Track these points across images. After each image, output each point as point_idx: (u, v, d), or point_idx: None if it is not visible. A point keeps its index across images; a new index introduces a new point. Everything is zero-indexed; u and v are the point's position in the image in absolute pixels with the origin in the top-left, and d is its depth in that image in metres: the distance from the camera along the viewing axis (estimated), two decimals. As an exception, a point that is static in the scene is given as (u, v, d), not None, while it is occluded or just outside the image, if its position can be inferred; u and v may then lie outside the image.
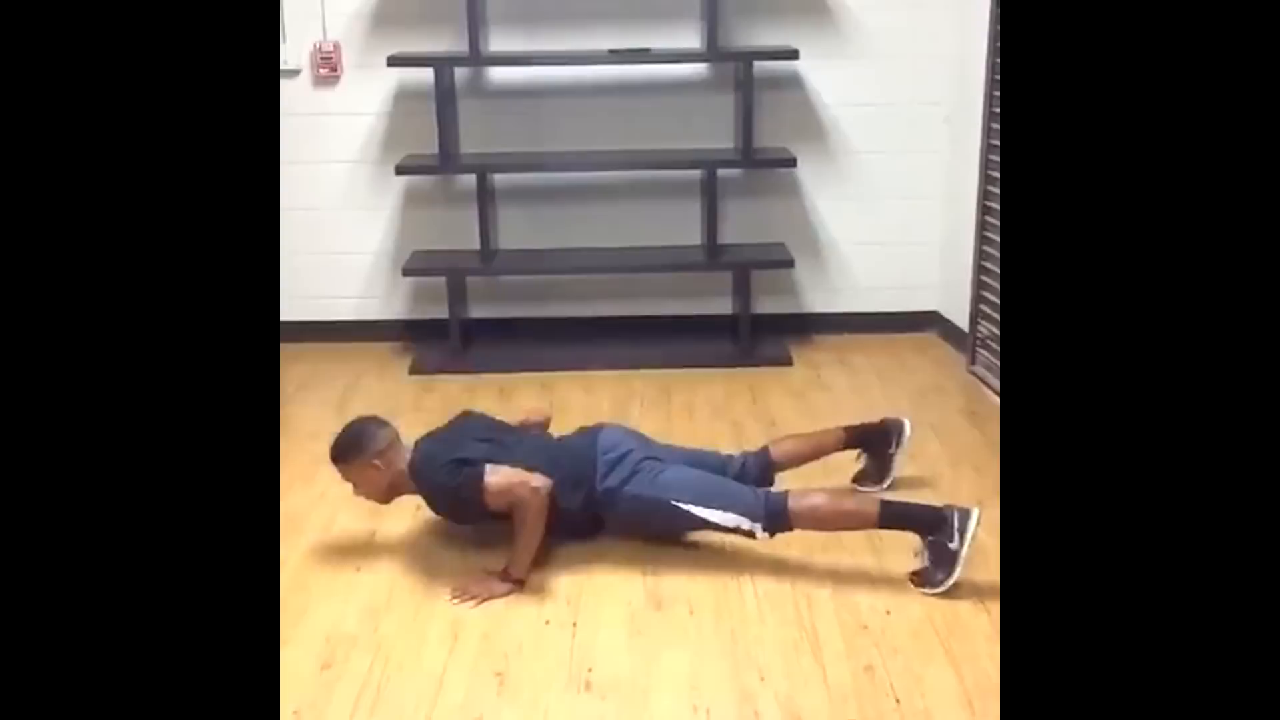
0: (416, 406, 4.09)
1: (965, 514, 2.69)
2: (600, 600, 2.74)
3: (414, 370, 4.45)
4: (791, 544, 2.98)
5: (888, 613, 2.66)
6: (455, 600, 2.74)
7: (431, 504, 2.97)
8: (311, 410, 4.08)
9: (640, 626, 2.63)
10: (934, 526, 2.71)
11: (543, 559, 2.87)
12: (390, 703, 2.38)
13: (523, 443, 3.02)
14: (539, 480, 2.77)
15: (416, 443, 2.96)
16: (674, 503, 2.84)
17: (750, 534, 2.82)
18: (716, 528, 2.85)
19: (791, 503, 2.79)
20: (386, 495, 2.96)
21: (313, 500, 3.32)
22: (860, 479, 3.31)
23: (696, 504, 2.83)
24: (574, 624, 2.65)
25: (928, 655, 2.49)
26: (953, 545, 2.68)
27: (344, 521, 3.18)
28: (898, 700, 2.35)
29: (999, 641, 2.49)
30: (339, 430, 2.97)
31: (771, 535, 2.82)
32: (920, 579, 2.75)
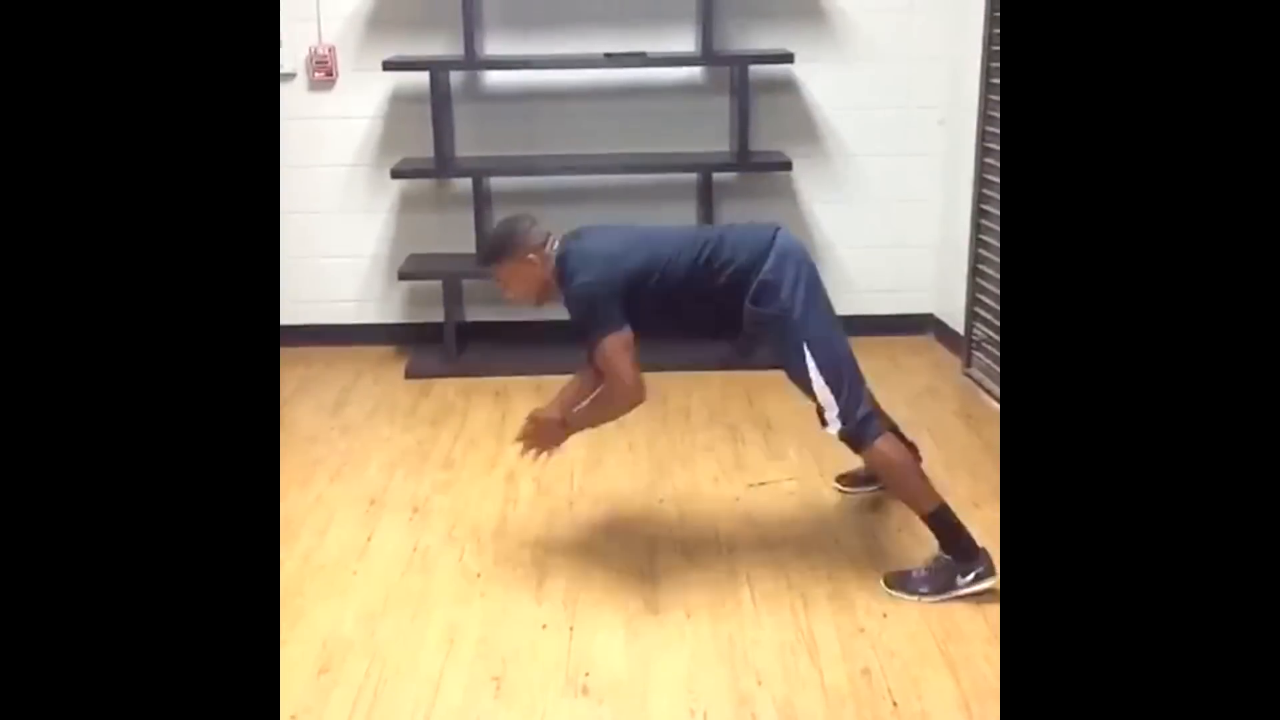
0: (412, 410, 4.09)
1: (991, 570, 2.67)
2: (597, 604, 2.74)
3: (410, 374, 4.45)
4: (787, 546, 2.98)
5: (885, 616, 2.66)
6: (523, 451, 2.84)
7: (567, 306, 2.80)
8: (308, 414, 4.08)
9: (637, 630, 2.63)
10: (963, 555, 2.70)
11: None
12: (387, 707, 2.37)
13: (692, 233, 2.87)
14: (638, 391, 2.72)
15: (552, 240, 2.82)
16: (805, 345, 2.70)
17: (826, 422, 2.74)
18: (809, 392, 2.73)
19: (882, 438, 2.73)
20: (542, 293, 2.84)
21: (309, 504, 3.31)
22: (846, 480, 3.30)
23: (819, 364, 2.69)
24: (571, 628, 2.65)
25: (925, 658, 2.50)
26: (960, 580, 2.68)
27: (340, 525, 3.18)
28: (895, 704, 2.35)
29: (996, 644, 2.50)
30: (491, 232, 2.89)
31: (840, 438, 2.74)
32: (899, 583, 2.74)
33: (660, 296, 2.74)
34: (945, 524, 2.73)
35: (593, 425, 2.82)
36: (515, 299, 2.90)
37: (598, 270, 2.71)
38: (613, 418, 2.81)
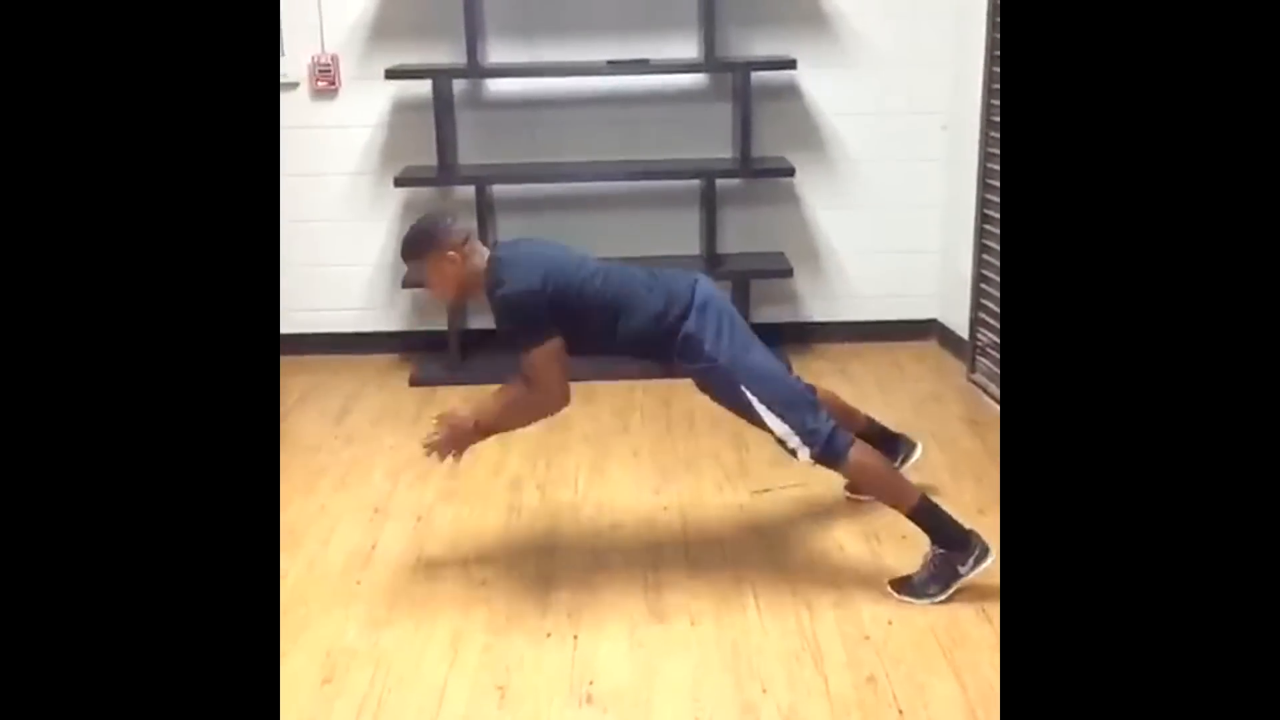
0: (416, 418, 4.09)
1: (986, 550, 2.69)
2: (601, 612, 2.74)
3: (414, 382, 4.45)
4: (792, 552, 2.97)
5: (890, 623, 2.65)
6: (428, 451, 2.80)
7: (495, 316, 2.79)
8: (311, 422, 4.08)
9: (641, 638, 2.63)
10: (956, 544, 2.70)
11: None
12: (391, 717, 2.37)
13: (618, 268, 2.88)
14: (564, 397, 2.76)
15: (499, 248, 2.84)
16: (743, 387, 2.72)
17: (794, 452, 2.74)
18: (766, 429, 2.74)
19: (855, 448, 2.74)
20: (459, 293, 2.86)
21: (312, 513, 3.31)
22: (853, 488, 3.29)
23: (763, 400, 2.71)
24: (575, 636, 2.64)
25: (930, 665, 2.49)
26: (961, 569, 2.68)
27: (343, 534, 3.18)
28: (900, 711, 2.34)
29: (1001, 651, 2.49)
30: (412, 226, 2.89)
31: (815, 464, 2.74)
32: (905, 587, 2.74)
33: (585, 317, 2.76)
34: (931, 517, 2.74)
35: (509, 429, 2.80)
36: (434, 295, 2.90)
37: (526, 279, 2.70)
38: (530, 423, 2.79)
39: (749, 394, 2.72)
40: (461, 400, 4.20)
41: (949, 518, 2.75)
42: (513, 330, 2.73)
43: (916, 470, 3.43)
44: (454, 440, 2.86)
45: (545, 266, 2.74)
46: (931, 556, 2.73)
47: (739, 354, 2.76)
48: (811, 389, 2.90)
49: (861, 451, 2.76)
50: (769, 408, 2.72)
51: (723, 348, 2.74)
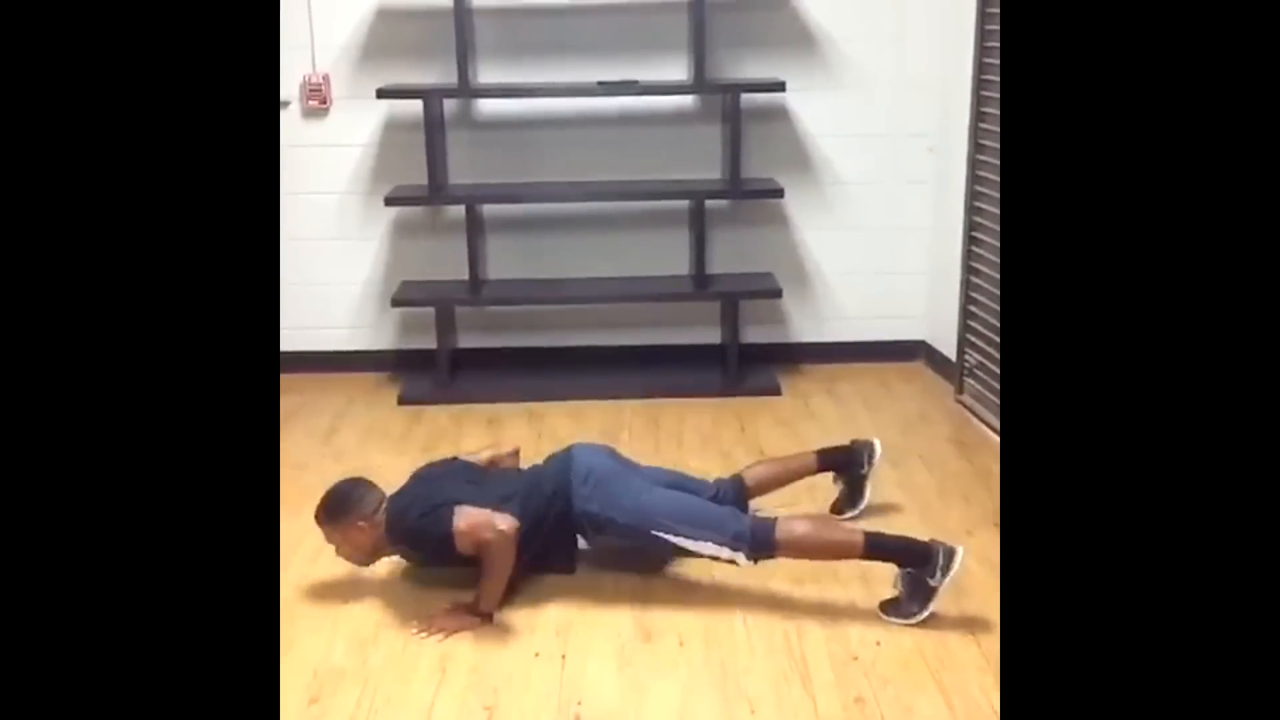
0: (405, 436, 4.08)
1: (951, 552, 2.69)
2: (589, 632, 2.73)
3: (402, 400, 4.45)
4: (780, 574, 2.97)
5: (878, 644, 2.65)
6: (423, 634, 2.73)
7: (407, 555, 2.97)
8: (300, 440, 4.07)
9: (630, 658, 2.62)
10: (918, 560, 2.71)
11: (512, 595, 2.85)
12: (378, 737, 2.36)
13: (493, 479, 3.01)
14: (505, 522, 2.73)
15: (383, 503, 2.92)
16: (654, 531, 2.81)
17: (732, 561, 2.80)
18: (698, 556, 2.83)
19: (778, 531, 2.77)
20: (369, 557, 2.94)
21: (300, 531, 3.29)
22: (837, 506, 3.30)
23: (678, 532, 2.80)
24: (563, 656, 2.64)
25: (918, 686, 2.49)
26: (932, 582, 2.69)
27: (331, 552, 3.16)
28: (888, 732, 2.34)
29: (990, 672, 2.49)
30: (327, 490, 2.94)
31: (755, 563, 2.80)
32: (892, 609, 2.75)
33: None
34: (883, 549, 2.75)
35: (499, 586, 2.77)
36: (345, 557, 2.95)
37: (413, 513, 2.81)
38: (506, 566, 2.75)
39: (663, 535, 2.81)
40: (450, 420, 4.22)
41: (900, 540, 2.76)
42: (426, 537, 2.80)
43: (904, 492, 3.45)
44: (459, 624, 2.78)
45: (427, 490, 2.89)
46: (900, 577, 2.74)
47: (634, 505, 2.84)
48: (726, 487, 3.05)
49: (787, 531, 2.77)
50: (687, 538, 2.80)
51: (620, 509, 2.83)
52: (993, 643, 2.61)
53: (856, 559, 2.77)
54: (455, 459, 3.16)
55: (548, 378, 4.59)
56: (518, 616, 2.80)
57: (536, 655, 2.64)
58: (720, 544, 2.78)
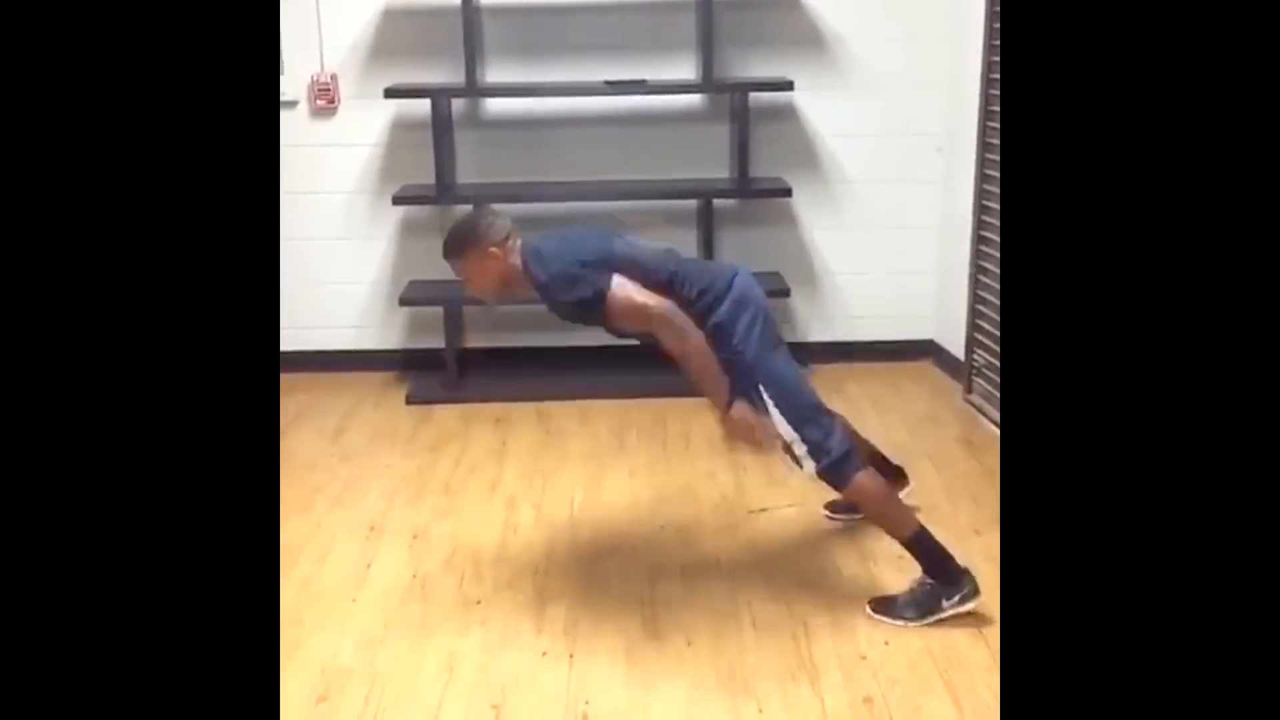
0: (412, 437, 4.09)
1: (975, 592, 2.68)
2: (597, 632, 2.73)
3: (410, 400, 4.45)
4: (787, 574, 2.97)
5: (886, 643, 2.65)
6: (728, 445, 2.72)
7: (552, 307, 2.78)
8: (307, 440, 4.07)
9: (637, 658, 2.62)
10: (948, 578, 2.70)
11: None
12: (386, 736, 2.36)
13: (652, 250, 2.82)
14: (670, 310, 2.62)
15: (512, 234, 2.79)
16: (761, 386, 2.70)
17: (798, 461, 2.73)
18: (777, 435, 2.71)
19: (860, 473, 2.72)
20: (502, 291, 2.80)
21: (309, 530, 3.30)
22: (835, 507, 3.28)
23: (777, 404, 2.69)
24: (571, 655, 2.63)
25: (927, 686, 2.48)
26: (946, 603, 2.68)
27: (340, 552, 3.17)
28: (897, 732, 2.34)
29: (998, 672, 2.48)
30: (453, 224, 2.83)
31: (819, 477, 2.73)
32: (883, 608, 2.74)
33: (640, 276, 2.70)
34: (926, 548, 2.73)
35: (710, 372, 2.66)
36: (476, 293, 2.86)
37: (566, 257, 2.69)
38: (700, 346, 2.63)
39: (765, 395, 2.70)
40: (458, 419, 4.22)
41: (946, 553, 2.73)
42: (578, 304, 2.68)
43: (914, 493, 3.44)
44: (744, 431, 2.72)
45: (578, 250, 2.72)
46: (920, 582, 2.73)
47: (764, 354, 2.72)
48: (830, 412, 2.89)
49: (868, 477, 2.75)
50: (781, 413, 2.70)
51: (750, 343, 2.71)
52: (1001, 643, 2.60)
53: (901, 542, 2.75)
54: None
55: (556, 377, 4.59)
56: (525, 616, 2.80)
57: (544, 655, 2.64)
58: (804, 440, 2.70)
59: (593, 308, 2.67)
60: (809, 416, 2.73)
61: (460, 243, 2.76)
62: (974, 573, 2.71)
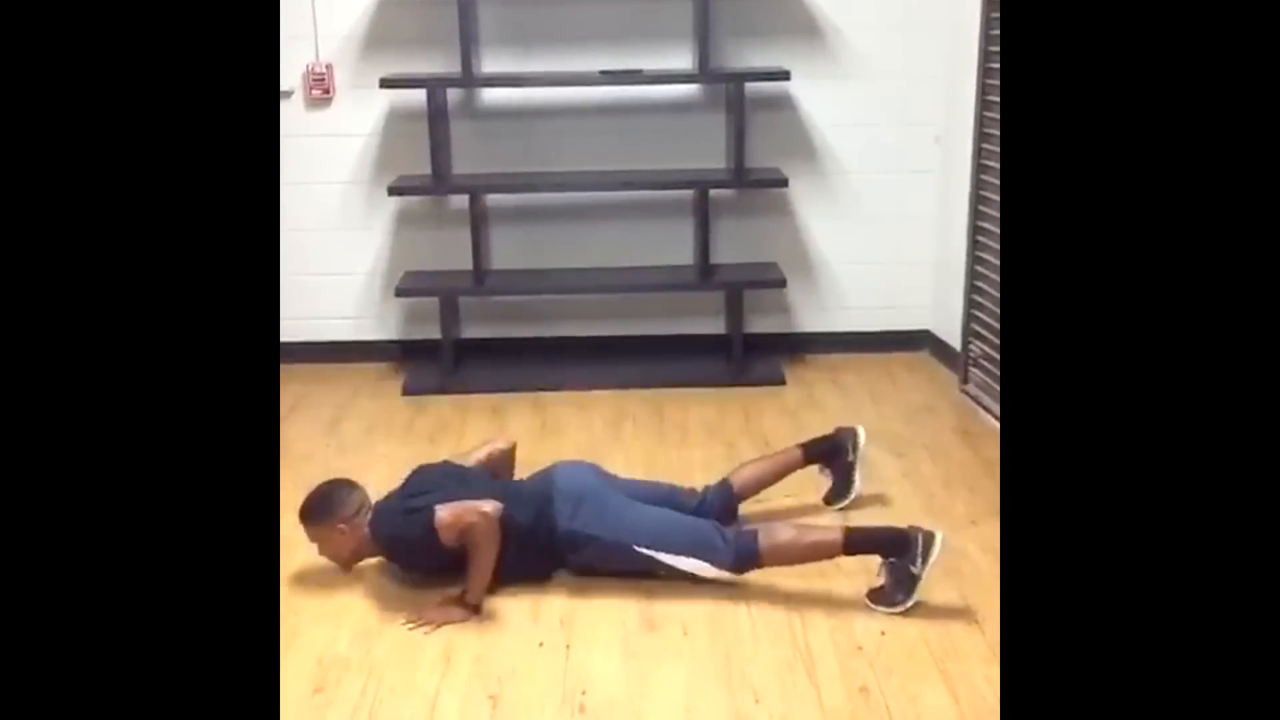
0: (409, 427, 4.09)
1: (930, 538, 2.69)
2: (594, 622, 2.73)
3: (406, 391, 4.44)
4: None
5: (882, 634, 2.65)
6: (411, 626, 2.72)
7: (391, 557, 2.95)
8: (304, 431, 4.07)
9: (634, 648, 2.62)
10: (898, 549, 2.72)
11: (508, 585, 2.84)
12: (383, 726, 2.36)
13: (478, 483, 2.99)
14: (488, 505, 2.73)
15: (365, 506, 2.93)
16: (636, 548, 2.82)
17: (716, 579, 2.81)
18: (680, 574, 2.82)
19: (761, 542, 2.79)
20: (350, 559, 2.95)
21: (305, 522, 3.30)
22: (829, 497, 3.30)
23: (660, 549, 2.81)
24: (567, 646, 2.64)
25: (923, 676, 2.49)
26: (914, 569, 2.69)
27: (336, 543, 3.16)
28: (893, 722, 2.34)
29: (994, 663, 2.49)
30: (310, 492, 2.94)
31: (739, 575, 2.81)
32: (878, 598, 2.75)
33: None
34: (864, 541, 2.77)
35: (486, 573, 2.75)
36: (329, 558, 2.95)
37: (396, 512, 2.85)
38: (492, 550, 2.73)
39: (647, 551, 2.81)
40: (454, 410, 4.21)
41: (879, 531, 2.78)
42: (404, 539, 2.82)
43: (910, 482, 3.44)
44: (446, 620, 2.75)
45: (409, 507, 2.84)
46: (883, 567, 2.75)
47: (617, 521, 2.84)
48: (714, 496, 3.05)
49: (769, 541, 2.79)
50: (670, 553, 2.81)
51: (599, 524, 2.83)
52: (997, 632, 2.60)
53: (840, 556, 2.78)
54: (446, 462, 3.14)
55: (552, 368, 4.59)
56: (521, 606, 2.80)
57: (541, 645, 2.64)
58: (704, 560, 2.80)
59: (430, 552, 2.78)
60: (691, 541, 2.83)
61: (312, 513, 2.90)
62: (931, 531, 2.71)
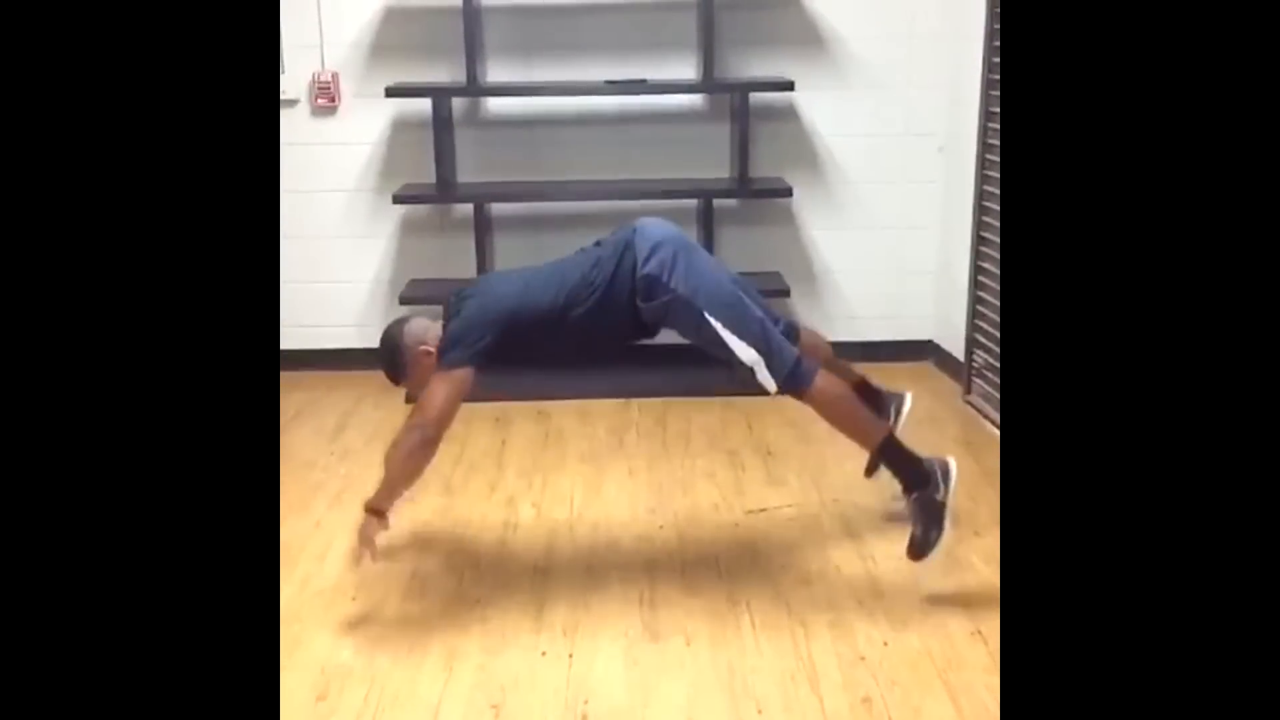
0: (412, 435, 4.08)
1: (945, 464, 2.73)
2: (597, 631, 2.73)
3: (410, 399, 4.43)
4: (787, 573, 2.97)
5: (885, 644, 2.65)
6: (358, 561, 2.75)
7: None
8: (307, 438, 4.07)
9: (637, 658, 2.62)
10: (921, 480, 2.72)
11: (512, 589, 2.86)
12: (385, 735, 2.36)
13: (554, 267, 2.92)
14: (434, 428, 2.69)
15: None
16: (706, 314, 2.73)
17: (757, 379, 2.73)
18: (733, 357, 2.73)
19: (819, 377, 2.73)
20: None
21: (308, 529, 3.30)
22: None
23: (726, 324, 2.72)
24: (570, 655, 2.64)
25: (926, 687, 2.48)
26: (939, 497, 2.70)
27: (339, 550, 3.16)
28: (896, 732, 2.34)
29: (998, 673, 2.48)
30: (382, 339, 2.95)
31: (781, 392, 2.74)
32: (919, 548, 2.73)
33: (544, 329, 2.80)
34: (897, 454, 2.76)
35: (400, 482, 2.72)
36: (416, 393, 2.91)
37: (464, 338, 2.79)
38: (414, 464, 2.70)
39: (713, 321, 2.73)
40: (457, 419, 4.18)
41: (913, 456, 2.77)
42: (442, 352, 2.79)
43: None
44: (363, 539, 2.73)
45: (479, 313, 2.82)
46: (911, 504, 2.74)
47: (698, 283, 2.75)
48: (787, 324, 2.98)
49: (827, 381, 2.76)
50: (734, 334, 2.72)
51: (679, 277, 2.74)
52: (999, 643, 2.60)
53: (871, 450, 2.76)
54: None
55: (555, 376, 4.57)
56: (524, 615, 2.80)
57: (543, 654, 2.64)
58: (761, 354, 2.72)
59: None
60: (760, 330, 2.75)
61: (393, 362, 2.89)
62: (944, 459, 2.75)
